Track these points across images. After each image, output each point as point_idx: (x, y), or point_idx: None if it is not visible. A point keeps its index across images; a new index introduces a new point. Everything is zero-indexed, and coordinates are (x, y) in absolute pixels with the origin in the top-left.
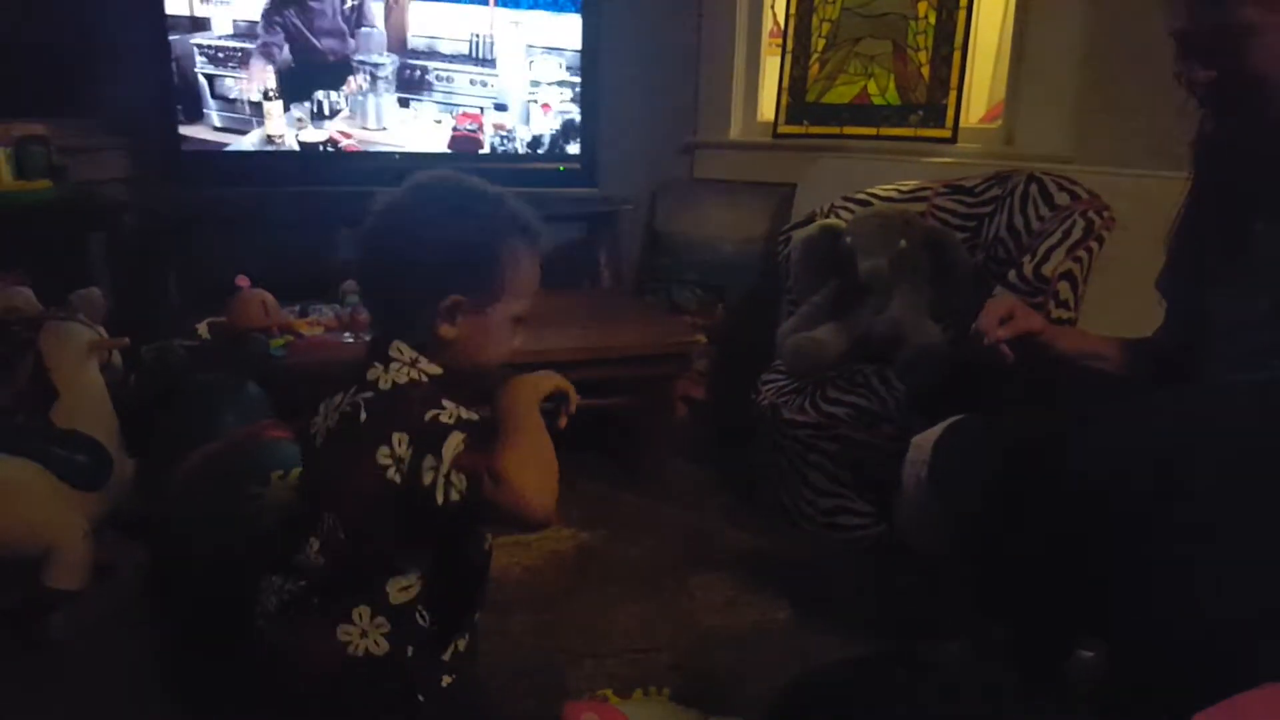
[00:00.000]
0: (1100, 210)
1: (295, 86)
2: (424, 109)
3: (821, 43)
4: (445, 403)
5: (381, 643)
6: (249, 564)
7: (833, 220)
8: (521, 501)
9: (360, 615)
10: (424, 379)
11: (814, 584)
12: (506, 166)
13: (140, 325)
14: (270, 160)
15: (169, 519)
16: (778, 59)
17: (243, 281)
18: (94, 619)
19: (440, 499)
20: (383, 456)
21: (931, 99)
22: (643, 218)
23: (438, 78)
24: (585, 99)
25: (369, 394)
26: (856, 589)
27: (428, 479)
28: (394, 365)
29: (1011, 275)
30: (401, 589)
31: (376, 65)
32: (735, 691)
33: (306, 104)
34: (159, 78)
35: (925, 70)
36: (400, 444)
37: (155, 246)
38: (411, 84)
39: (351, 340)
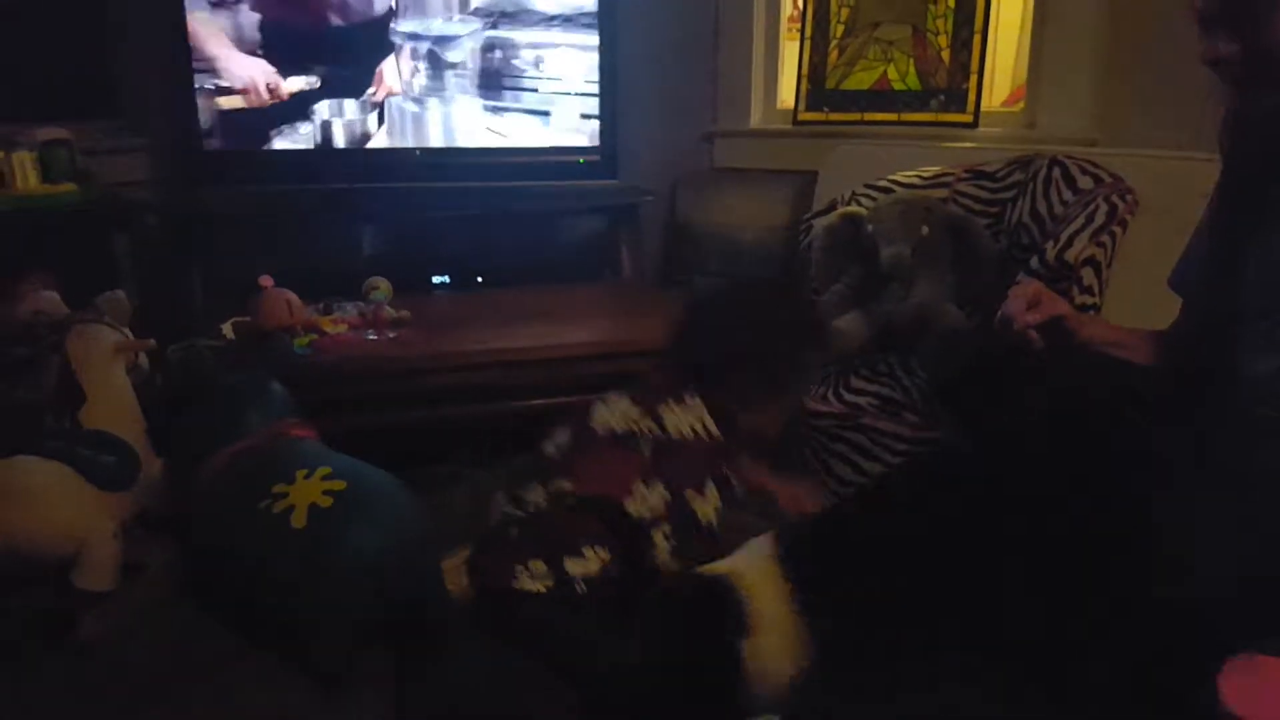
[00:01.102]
0: (1124, 194)
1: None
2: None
3: (840, 28)
4: None
5: None
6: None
7: (854, 208)
8: None
9: None
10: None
11: None
12: (526, 160)
13: (166, 326)
14: (291, 158)
15: (196, 518)
16: (796, 44)
17: (266, 281)
18: (123, 619)
19: None
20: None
21: (952, 83)
22: (664, 208)
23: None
24: (604, 89)
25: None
26: None
27: None
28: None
29: (1034, 261)
30: None
31: (440, 39)
32: None
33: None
34: (179, 77)
35: (945, 54)
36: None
37: (179, 247)
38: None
39: (375, 338)
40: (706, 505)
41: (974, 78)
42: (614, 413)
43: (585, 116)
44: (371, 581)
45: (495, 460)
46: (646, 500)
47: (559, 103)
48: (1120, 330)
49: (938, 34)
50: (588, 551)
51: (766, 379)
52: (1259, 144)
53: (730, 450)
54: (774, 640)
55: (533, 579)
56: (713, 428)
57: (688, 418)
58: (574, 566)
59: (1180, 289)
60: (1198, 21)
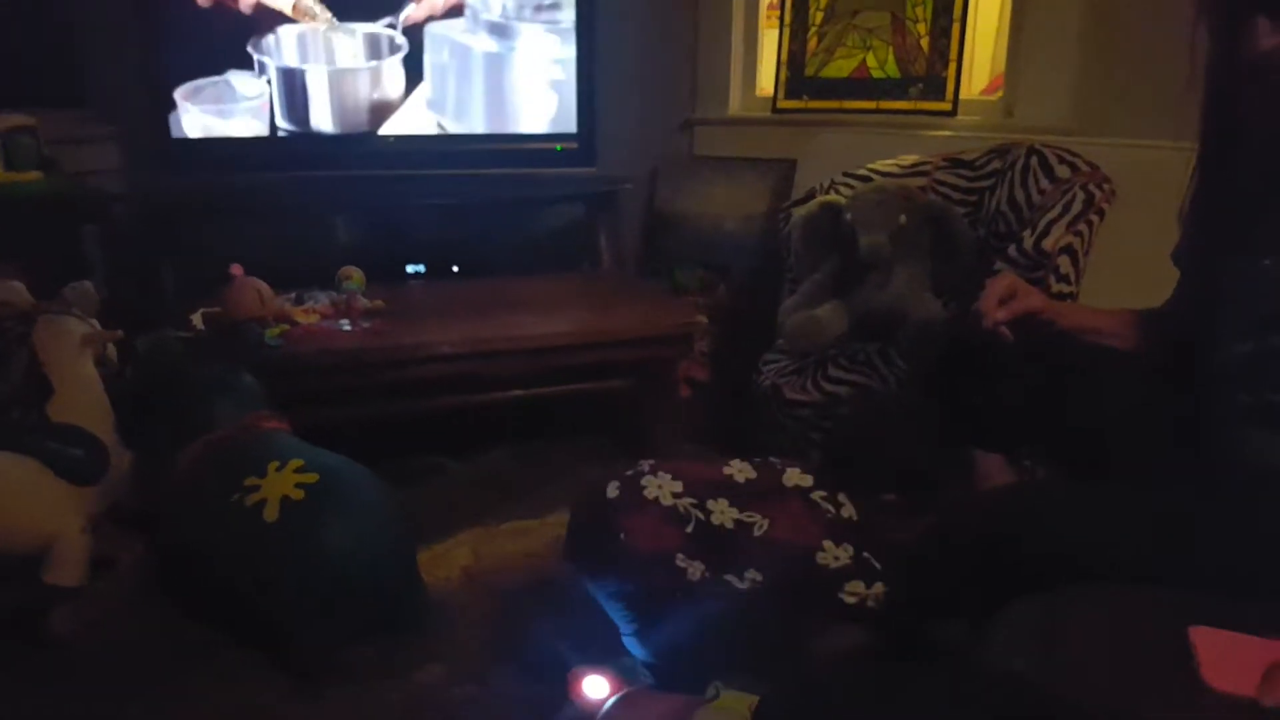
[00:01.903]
0: (1101, 183)
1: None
2: None
3: (819, 15)
4: None
5: None
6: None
7: (833, 197)
8: None
9: None
10: None
11: None
12: (503, 148)
13: (134, 317)
14: (261, 146)
15: (167, 512)
16: (775, 32)
17: (236, 270)
18: (94, 615)
19: None
20: None
21: (931, 71)
22: (643, 196)
23: None
24: (581, 75)
25: None
26: None
27: None
28: None
29: (1012, 250)
30: None
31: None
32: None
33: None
34: (147, 65)
35: (924, 42)
36: None
37: (148, 237)
38: None
39: (349, 328)
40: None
41: (953, 66)
42: (800, 478)
43: (562, 104)
44: (345, 574)
45: (471, 452)
46: (835, 553)
47: (535, 89)
48: (1099, 315)
49: (917, 22)
50: (749, 574)
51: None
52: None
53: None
54: None
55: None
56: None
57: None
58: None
59: (1178, 264)
60: (1220, 13)
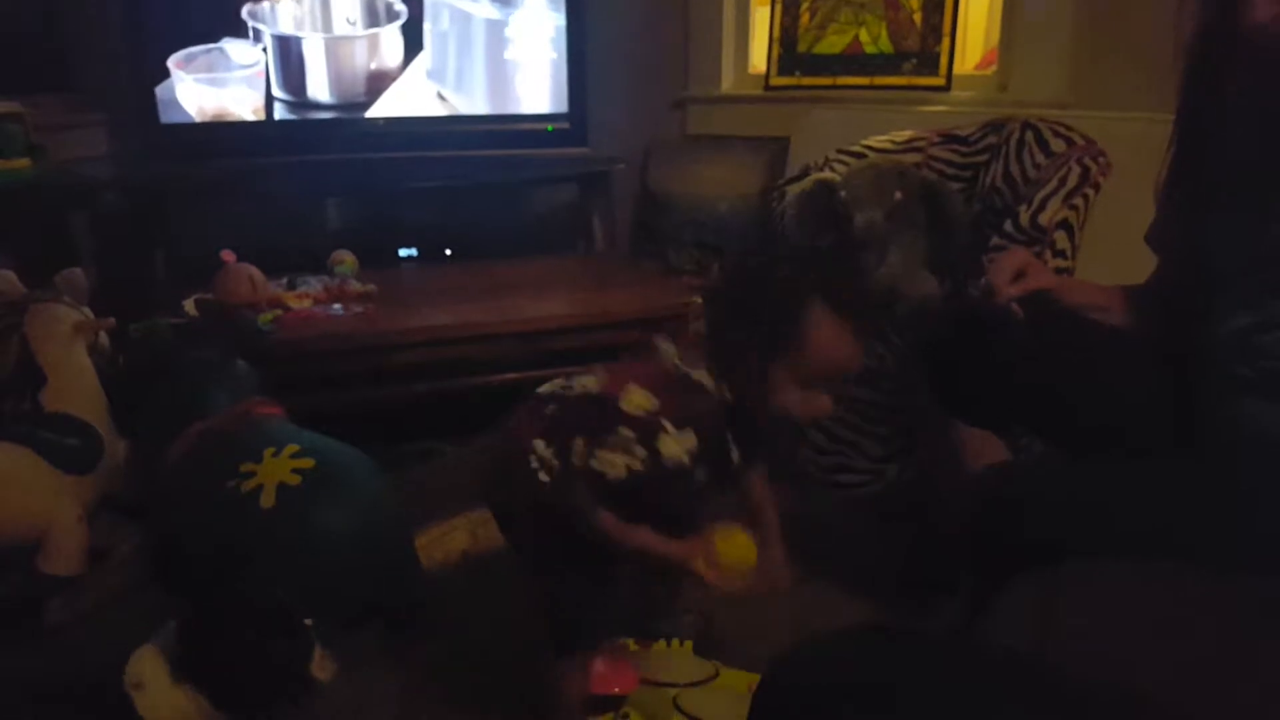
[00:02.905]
0: (1096, 156)
1: None
2: None
3: None
4: None
5: None
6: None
7: (826, 174)
8: None
9: None
10: None
11: (817, 541)
12: (494, 129)
13: (126, 304)
14: (252, 130)
15: (162, 500)
16: (767, 8)
17: (228, 256)
18: (91, 603)
19: None
20: None
21: (924, 46)
22: (636, 176)
23: None
24: (572, 54)
25: None
26: (858, 545)
27: None
28: None
29: (1008, 225)
30: None
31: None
32: (751, 646)
33: None
34: (135, 49)
35: (917, 17)
36: None
37: (138, 223)
38: None
39: (341, 313)
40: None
41: (946, 40)
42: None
43: (554, 83)
44: (343, 560)
45: (466, 436)
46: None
47: (526, 68)
48: (1099, 291)
49: None
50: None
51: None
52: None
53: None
54: None
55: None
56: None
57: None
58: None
59: (1155, 246)
60: None
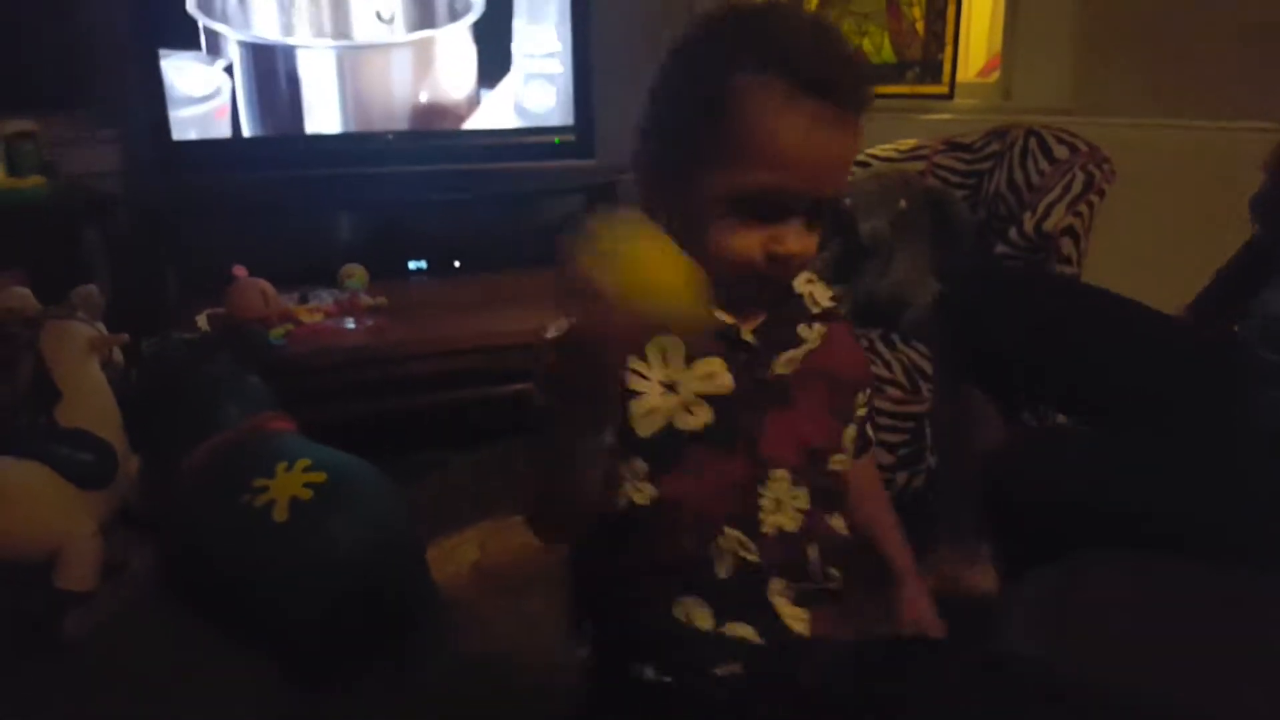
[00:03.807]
0: (1100, 162)
1: None
2: None
3: (814, 2)
4: None
5: None
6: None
7: None
8: None
9: None
10: None
11: None
12: (500, 142)
13: (139, 320)
14: (263, 145)
15: (176, 514)
16: None
17: (239, 271)
18: (106, 619)
19: None
20: None
21: (927, 55)
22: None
23: None
24: (577, 65)
25: None
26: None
27: None
28: None
29: (1013, 233)
30: None
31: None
32: None
33: None
34: (147, 66)
35: (920, 25)
36: None
37: (151, 239)
38: None
39: (352, 326)
40: None
41: (949, 49)
42: None
43: (559, 96)
44: (355, 572)
45: (477, 447)
46: None
47: (532, 80)
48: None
49: (912, 5)
50: None
51: None
52: None
53: None
54: None
55: None
56: None
57: None
58: None
59: (1258, 212)
60: None
